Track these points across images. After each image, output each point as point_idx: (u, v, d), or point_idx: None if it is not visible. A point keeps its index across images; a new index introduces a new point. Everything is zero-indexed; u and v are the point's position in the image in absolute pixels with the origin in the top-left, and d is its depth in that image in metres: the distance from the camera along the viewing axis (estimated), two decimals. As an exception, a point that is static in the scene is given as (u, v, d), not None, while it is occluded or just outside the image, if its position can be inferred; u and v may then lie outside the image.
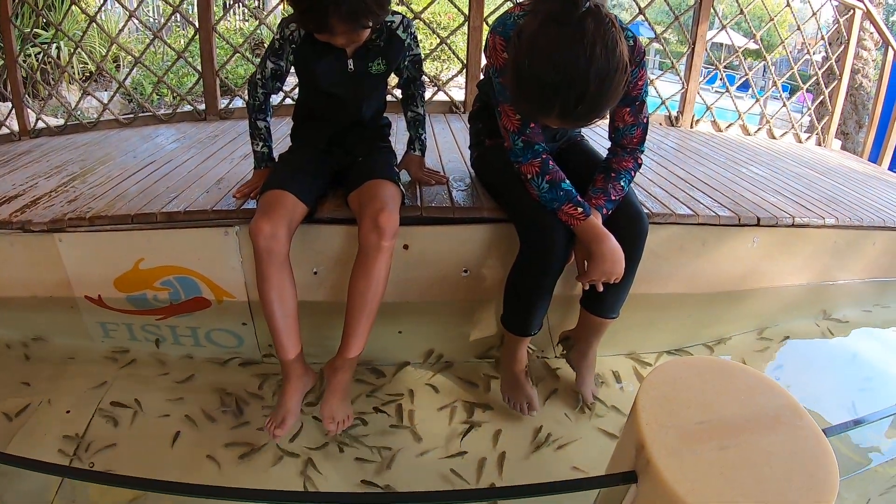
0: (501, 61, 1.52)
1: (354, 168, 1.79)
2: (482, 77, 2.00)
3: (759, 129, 4.11)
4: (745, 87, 3.90)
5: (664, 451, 0.93)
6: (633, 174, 1.64)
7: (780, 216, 2.12)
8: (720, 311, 2.22)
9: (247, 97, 1.84)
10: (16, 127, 3.42)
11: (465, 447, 1.60)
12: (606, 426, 1.71)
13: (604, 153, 1.73)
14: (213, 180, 2.19)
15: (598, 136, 3.03)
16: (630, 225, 1.61)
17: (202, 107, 3.45)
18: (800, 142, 4.18)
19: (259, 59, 1.77)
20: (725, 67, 3.82)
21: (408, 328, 2.01)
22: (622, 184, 1.60)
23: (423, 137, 1.98)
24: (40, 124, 3.42)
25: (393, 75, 1.84)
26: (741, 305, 2.25)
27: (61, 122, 3.40)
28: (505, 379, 1.76)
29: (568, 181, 1.56)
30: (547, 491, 1.07)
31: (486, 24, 3.39)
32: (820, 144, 4.24)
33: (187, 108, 3.51)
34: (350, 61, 1.69)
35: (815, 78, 4.12)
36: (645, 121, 1.60)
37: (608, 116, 1.64)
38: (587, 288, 1.60)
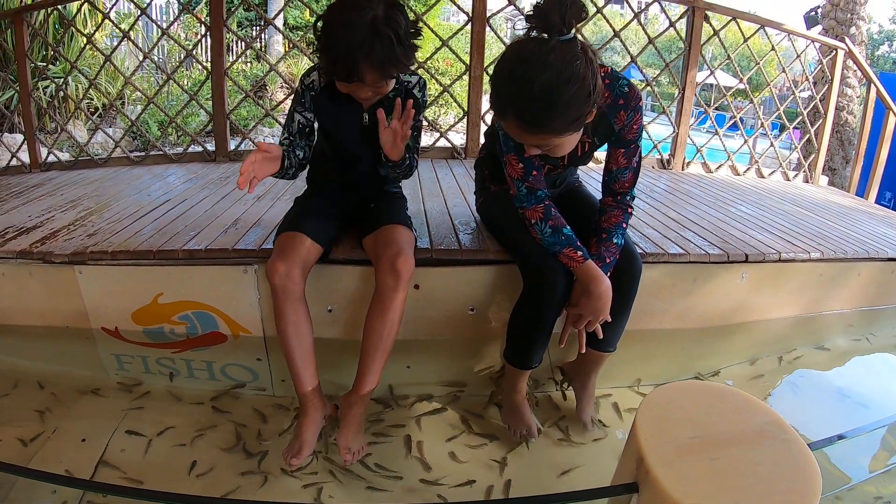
0: None
1: (369, 213, 1.88)
2: (489, 127, 2.10)
3: (747, 168, 4.25)
4: (733, 126, 4.03)
5: (661, 462, 1.00)
6: (624, 226, 1.71)
7: (767, 252, 2.21)
8: (712, 345, 2.28)
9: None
10: (26, 159, 3.52)
11: (471, 475, 1.64)
12: (605, 450, 1.76)
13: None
14: (230, 220, 2.28)
15: (595, 181, 3.13)
16: (625, 265, 1.69)
17: (210, 147, 3.55)
18: (787, 179, 4.31)
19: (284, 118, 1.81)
20: (716, 109, 3.96)
21: (416, 363, 2.06)
22: (615, 241, 1.68)
23: (411, 158, 1.84)
24: (51, 158, 3.50)
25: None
26: (732, 338, 2.32)
27: (68, 155, 3.46)
28: (506, 409, 1.82)
29: (569, 227, 1.65)
30: (555, 500, 1.17)
31: (487, 73, 3.53)
32: (808, 181, 4.38)
33: (196, 148, 3.60)
34: (365, 115, 1.76)
35: (802, 117, 4.27)
36: (636, 165, 1.68)
37: (605, 158, 1.72)
38: (583, 331, 1.67)
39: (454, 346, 2.09)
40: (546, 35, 1.40)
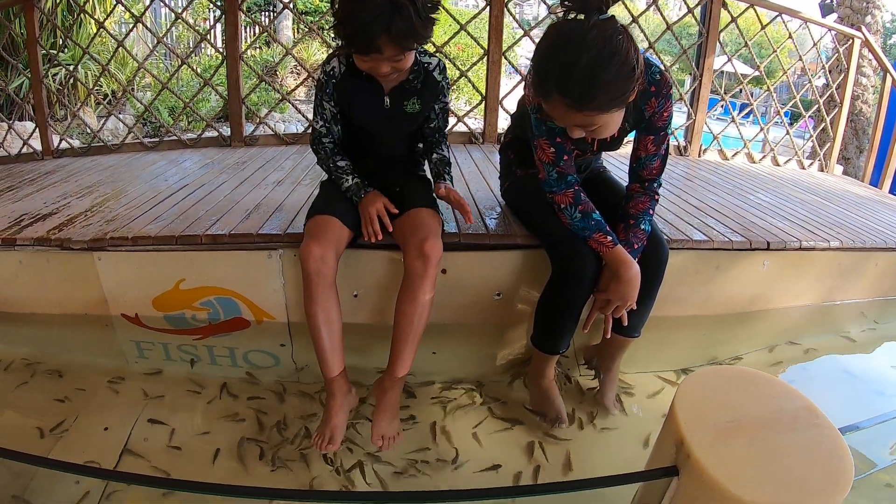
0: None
1: (395, 197, 1.85)
2: (515, 110, 2.06)
3: (763, 156, 4.20)
4: (747, 114, 3.99)
5: (702, 446, 1.00)
6: (651, 212, 1.70)
7: (788, 240, 2.21)
8: (731, 331, 2.28)
9: (316, 156, 1.87)
10: (38, 146, 3.49)
11: (499, 461, 1.62)
12: (630, 434, 1.75)
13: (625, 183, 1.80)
14: (251, 205, 2.25)
15: (618, 167, 3.12)
16: (652, 251, 1.68)
17: (225, 131, 3.52)
18: (803, 168, 4.27)
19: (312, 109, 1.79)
20: (730, 96, 3.92)
21: (442, 348, 2.04)
22: (643, 227, 1.67)
23: (450, 174, 1.92)
24: (63, 144, 3.47)
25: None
26: (751, 326, 2.32)
27: (79, 143, 3.43)
28: (534, 394, 1.81)
29: (598, 212, 1.64)
30: (592, 485, 1.14)
31: (505, 58, 3.52)
32: (822, 170, 4.33)
33: (211, 133, 3.57)
34: (387, 98, 1.76)
35: (817, 105, 4.21)
36: (664, 152, 1.68)
37: (632, 144, 1.72)
38: (610, 316, 1.66)
39: (480, 331, 2.08)
40: (584, 15, 1.38)
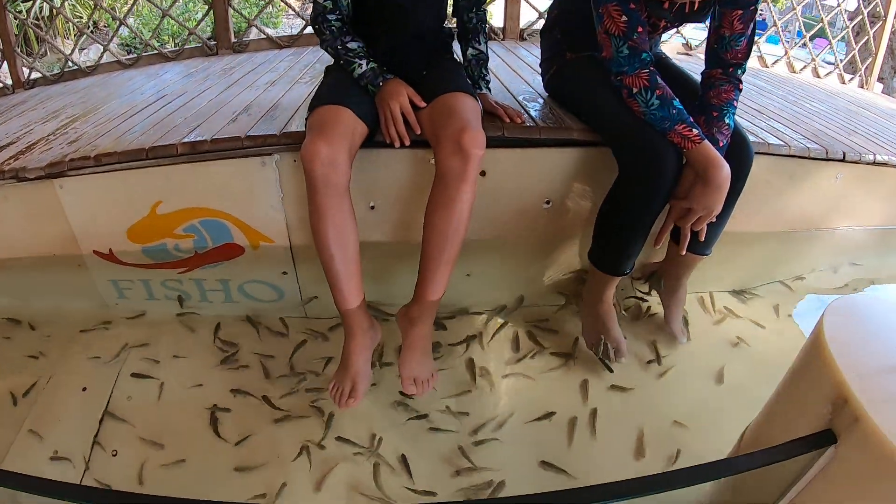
0: None
1: (421, 84, 1.47)
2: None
3: (804, 66, 3.84)
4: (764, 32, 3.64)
5: (875, 404, 0.79)
6: (735, 104, 1.45)
7: (862, 152, 1.96)
8: (795, 250, 2.10)
9: (319, 37, 1.50)
10: (10, 81, 3.16)
11: (549, 405, 1.40)
12: (700, 368, 1.54)
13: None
14: (240, 107, 1.87)
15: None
16: (735, 151, 1.42)
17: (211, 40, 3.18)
18: (843, 83, 3.92)
19: None
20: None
21: (478, 270, 1.77)
22: (727, 121, 1.42)
23: (487, 77, 1.64)
24: (35, 75, 3.14)
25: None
26: (815, 245, 2.12)
27: (57, 71, 3.07)
28: (588, 323, 1.58)
29: (678, 99, 1.37)
30: (727, 471, 0.89)
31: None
32: (863, 86, 3.99)
33: (195, 43, 3.21)
34: None
35: (861, 17, 3.88)
36: (751, 33, 1.43)
37: (711, 22, 1.47)
38: (687, 232, 1.45)
39: (524, 247, 1.80)
40: None
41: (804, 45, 3.85)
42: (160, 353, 1.54)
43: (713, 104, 1.43)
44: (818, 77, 3.81)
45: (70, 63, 3.11)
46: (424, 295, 1.33)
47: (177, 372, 1.48)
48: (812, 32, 3.89)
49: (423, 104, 1.39)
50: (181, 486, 1.22)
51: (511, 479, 1.24)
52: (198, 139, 1.57)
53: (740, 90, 1.46)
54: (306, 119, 1.37)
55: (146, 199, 1.65)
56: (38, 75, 3.15)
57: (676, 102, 1.36)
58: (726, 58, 1.44)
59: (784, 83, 3.17)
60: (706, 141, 1.34)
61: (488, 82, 1.62)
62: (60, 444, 1.28)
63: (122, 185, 1.65)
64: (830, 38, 3.91)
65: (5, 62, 3.14)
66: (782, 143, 1.83)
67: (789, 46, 3.79)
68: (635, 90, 1.37)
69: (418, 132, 1.39)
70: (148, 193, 1.65)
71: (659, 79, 1.38)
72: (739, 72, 1.46)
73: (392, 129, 1.38)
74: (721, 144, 1.38)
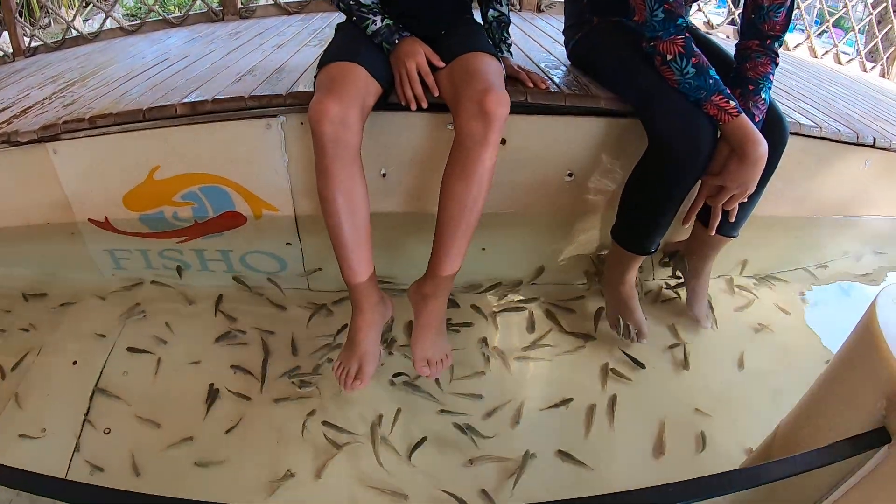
0: None
1: (438, 43, 1.36)
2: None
3: (825, 52, 3.72)
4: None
5: None
6: (772, 79, 1.37)
7: (891, 139, 1.88)
8: (820, 236, 2.04)
9: None
10: (10, 49, 3.02)
11: (566, 390, 1.31)
12: (722, 353, 1.45)
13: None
14: (245, 69, 1.76)
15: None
16: (770, 128, 1.33)
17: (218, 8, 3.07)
18: (865, 70, 3.80)
19: None
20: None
21: (494, 243, 1.67)
22: (763, 95, 1.33)
23: (508, 41, 1.54)
24: (36, 42, 3.01)
25: None
26: (840, 232, 2.05)
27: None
28: (611, 303, 1.49)
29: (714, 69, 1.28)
30: (779, 474, 0.76)
31: None
32: (883, 75, 3.87)
33: (201, 9, 3.12)
34: None
35: (884, 6, 3.75)
36: (790, 3, 1.34)
37: None
38: (718, 212, 1.37)
39: (544, 221, 1.72)
40: None
41: (820, 33, 3.75)
42: (157, 327, 1.44)
43: (749, 77, 1.34)
44: (839, 63, 3.69)
45: (72, 30, 3.00)
46: (439, 269, 1.23)
47: (174, 347, 1.38)
48: (833, 19, 3.77)
49: (441, 64, 1.28)
50: (177, 470, 1.12)
51: (526, 470, 1.14)
52: (198, 99, 1.47)
53: (777, 64, 1.37)
54: (315, 77, 1.26)
55: (143, 163, 1.56)
56: (40, 43, 3.03)
57: (713, 72, 1.26)
58: (764, 29, 1.35)
59: (806, 66, 3.07)
60: (744, 114, 1.25)
61: (510, 46, 1.51)
62: (50, 420, 1.20)
63: (117, 148, 1.55)
64: (854, 23, 3.80)
65: (6, 31, 3.03)
66: (813, 124, 1.73)
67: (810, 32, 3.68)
68: (669, 57, 1.27)
69: (436, 94, 1.28)
70: (145, 158, 1.55)
71: (694, 47, 1.28)
72: (777, 44, 1.37)
73: (408, 89, 1.28)
74: (757, 120, 1.30)
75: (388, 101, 1.33)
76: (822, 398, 0.94)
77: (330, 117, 1.10)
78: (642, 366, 1.36)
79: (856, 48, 3.86)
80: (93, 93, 1.77)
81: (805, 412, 0.97)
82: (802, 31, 3.77)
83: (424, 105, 1.28)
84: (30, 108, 1.76)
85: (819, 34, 3.72)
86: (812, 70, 2.97)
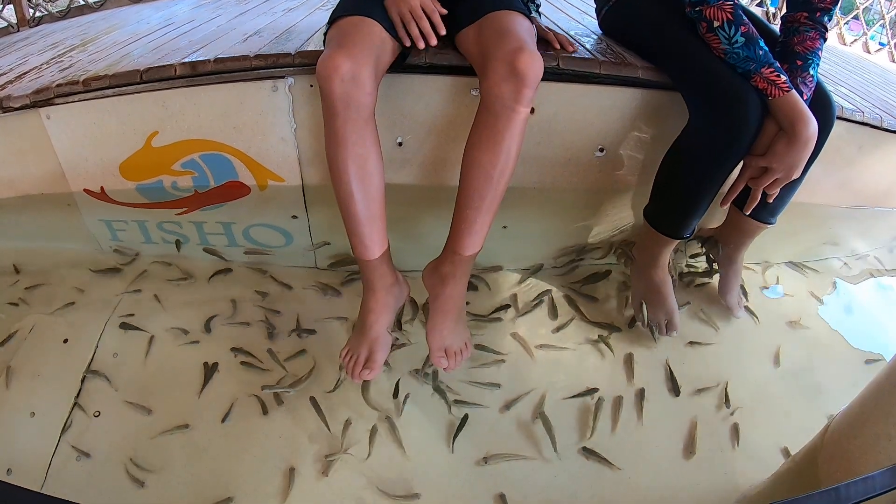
0: None
1: (461, 3, 1.23)
2: None
3: (854, 39, 3.62)
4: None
5: None
6: (820, 55, 1.27)
7: None
8: (856, 227, 1.94)
9: None
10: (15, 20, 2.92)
11: (590, 381, 1.23)
12: (755, 345, 1.36)
13: None
14: (251, 31, 1.64)
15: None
16: (817, 110, 1.21)
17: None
18: (893, 61, 3.65)
19: None
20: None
21: (515, 222, 1.57)
22: (812, 72, 1.24)
23: (537, 1, 1.41)
24: (41, 12, 2.92)
25: None
26: (875, 224, 1.97)
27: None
28: (639, 289, 1.40)
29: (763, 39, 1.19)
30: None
31: None
32: None
33: None
34: None
35: None
36: None
37: None
38: (758, 195, 1.27)
39: (571, 198, 1.61)
40: None
41: (848, 21, 3.63)
42: (153, 303, 1.35)
43: (797, 52, 1.24)
44: (868, 52, 3.58)
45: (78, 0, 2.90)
46: (459, 248, 1.11)
47: (171, 325, 1.29)
48: (862, 7, 3.66)
49: (443, 10, 1.15)
50: (169, 458, 1.04)
51: (546, 469, 1.06)
52: (199, 59, 1.35)
53: (825, 39, 1.27)
54: (325, 33, 1.14)
55: (141, 129, 1.46)
56: (45, 13, 2.94)
57: (762, 43, 1.17)
58: (813, 0, 1.26)
59: (837, 52, 2.95)
60: (794, 90, 1.14)
61: (538, 6, 1.39)
62: (38, 402, 1.13)
63: (113, 112, 1.45)
64: (884, 14, 3.69)
65: (11, 3, 2.92)
66: (855, 108, 1.62)
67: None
68: (717, 24, 1.17)
69: (443, 32, 1.14)
70: (142, 123, 1.45)
71: (743, 15, 1.18)
72: (826, 18, 1.28)
73: (413, 27, 1.13)
74: (805, 98, 1.20)
75: (405, 64, 1.20)
76: (880, 397, 0.87)
77: (340, 74, 0.98)
78: (674, 367, 1.26)
79: (887, 38, 3.70)
80: (91, 57, 1.66)
81: (860, 418, 0.89)
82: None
83: (433, 42, 1.14)
84: (25, 73, 1.65)
85: (847, 22, 3.62)
86: (844, 56, 2.85)
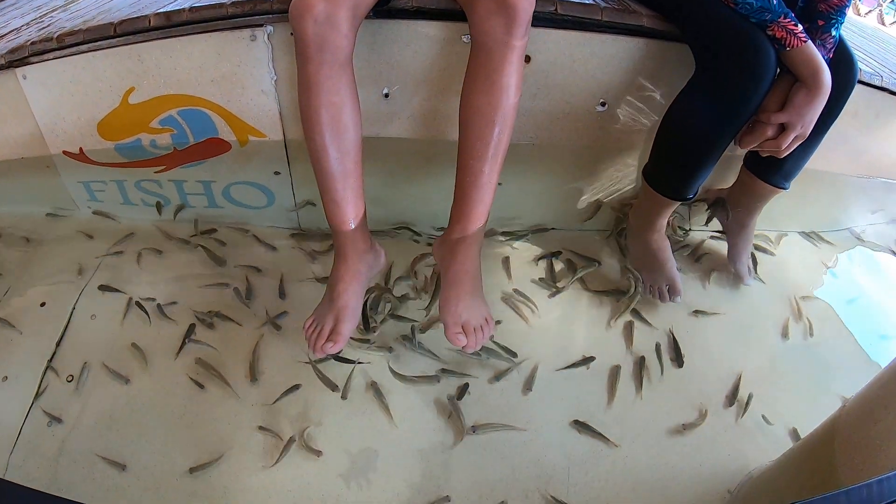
0: None
1: None
2: None
3: (869, 11, 3.56)
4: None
5: None
6: (845, 14, 1.18)
7: None
8: (868, 197, 1.87)
9: None
10: None
11: (588, 348, 1.18)
12: (761, 316, 1.31)
13: None
14: None
15: None
16: (838, 69, 1.15)
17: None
18: None
19: None
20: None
21: (509, 181, 1.47)
22: (834, 33, 1.16)
23: None
24: None
25: None
26: (889, 196, 1.88)
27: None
28: (637, 252, 1.36)
29: None
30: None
31: None
32: None
33: None
34: None
35: None
36: None
37: None
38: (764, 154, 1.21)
39: (569, 156, 1.53)
40: None
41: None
42: (133, 265, 1.31)
43: (820, 10, 1.15)
44: (883, 24, 3.48)
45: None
46: (467, 206, 1.03)
47: (150, 287, 1.24)
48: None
49: None
50: (143, 428, 1.00)
51: (536, 442, 1.01)
52: (174, 9, 1.26)
53: (850, 1, 1.18)
54: None
55: (117, 85, 1.38)
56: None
57: None
58: None
59: (851, 21, 2.76)
60: (811, 42, 1.07)
61: None
62: (11, 367, 1.09)
63: (88, 69, 1.37)
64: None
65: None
66: (874, 72, 1.53)
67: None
68: None
69: None
70: (119, 79, 1.37)
71: None
72: None
73: None
74: (824, 57, 1.14)
75: (389, 7, 1.11)
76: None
77: (314, 14, 0.88)
78: (676, 336, 1.20)
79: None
80: (71, 16, 1.58)
81: (882, 400, 0.81)
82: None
83: None
84: (4, 35, 1.58)
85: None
86: (859, 25, 2.76)
